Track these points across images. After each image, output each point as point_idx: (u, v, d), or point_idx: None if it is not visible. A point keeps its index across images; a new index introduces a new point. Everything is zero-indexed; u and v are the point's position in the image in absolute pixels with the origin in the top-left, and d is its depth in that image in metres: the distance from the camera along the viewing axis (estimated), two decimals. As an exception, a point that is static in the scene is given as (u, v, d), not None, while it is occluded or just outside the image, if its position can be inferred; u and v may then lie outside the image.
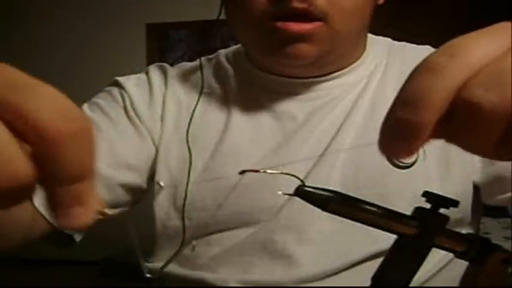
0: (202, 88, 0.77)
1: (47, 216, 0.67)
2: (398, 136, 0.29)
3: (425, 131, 0.28)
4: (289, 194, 0.37)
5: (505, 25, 0.29)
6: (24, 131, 0.25)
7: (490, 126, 0.27)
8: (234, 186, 0.70)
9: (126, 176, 0.73)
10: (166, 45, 3.53)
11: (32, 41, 3.48)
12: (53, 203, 0.27)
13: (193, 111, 0.75)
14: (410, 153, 0.29)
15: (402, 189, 0.68)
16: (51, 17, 3.53)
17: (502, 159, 0.30)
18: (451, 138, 0.29)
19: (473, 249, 0.36)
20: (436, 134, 0.29)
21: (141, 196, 0.77)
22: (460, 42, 0.28)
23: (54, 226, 0.69)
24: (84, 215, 0.27)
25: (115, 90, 0.77)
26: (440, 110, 0.28)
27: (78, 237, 0.73)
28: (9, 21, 3.54)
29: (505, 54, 0.28)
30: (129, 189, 0.74)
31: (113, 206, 0.74)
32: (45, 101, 0.25)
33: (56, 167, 0.26)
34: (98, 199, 0.29)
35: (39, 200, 0.66)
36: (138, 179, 0.74)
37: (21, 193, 0.26)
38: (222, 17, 0.74)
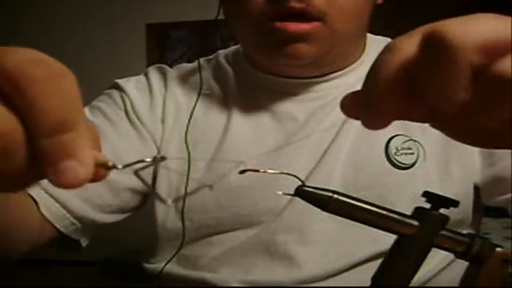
0: (200, 89, 0.77)
1: (54, 223, 0.68)
2: (363, 105, 0.32)
3: (381, 96, 0.30)
4: (290, 194, 0.37)
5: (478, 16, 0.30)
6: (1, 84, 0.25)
7: (455, 59, 0.27)
8: (235, 187, 0.70)
9: (131, 179, 0.73)
10: (166, 45, 3.53)
11: (32, 41, 3.48)
12: (42, 161, 0.26)
13: (192, 112, 0.75)
14: (378, 120, 0.31)
15: (402, 190, 0.68)
16: (52, 18, 3.53)
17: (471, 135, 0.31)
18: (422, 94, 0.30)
19: (473, 249, 0.36)
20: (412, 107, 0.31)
21: (146, 199, 0.77)
22: (423, 26, 0.30)
23: (61, 232, 0.69)
24: (75, 169, 0.26)
25: (115, 93, 0.77)
26: (389, 79, 0.30)
27: (84, 242, 0.74)
28: (10, 22, 3.55)
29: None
30: (135, 192, 0.74)
31: (120, 210, 0.74)
32: (16, 52, 0.25)
33: (34, 113, 0.25)
34: (93, 153, 0.27)
35: (45, 207, 0.67)
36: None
37: (11, 154, 0.25)
38: (221, 17, 0.74)
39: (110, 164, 0.29)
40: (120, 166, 0.30)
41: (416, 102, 0.31)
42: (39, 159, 0.26)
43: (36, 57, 0.26)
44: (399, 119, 0.32)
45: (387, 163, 0.69)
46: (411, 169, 0.69)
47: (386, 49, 0.32)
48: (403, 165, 0.69)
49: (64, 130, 0.26)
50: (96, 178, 0.28)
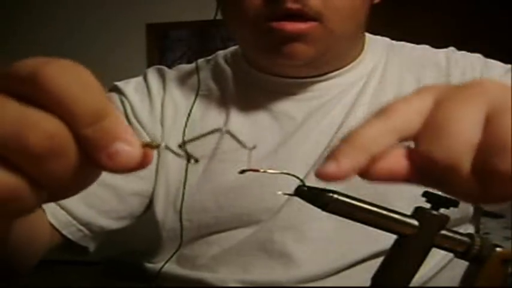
0: (198, 90, 0.77)
1: (61, 230, 0.68)
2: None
3: None
4: (290, 194, 0.37)
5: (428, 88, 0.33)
6: (24, 90, 0.26)
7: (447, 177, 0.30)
8: (234, 187, 0.70)
9: (136, 184, 0.73)
10: (166, 45, 3.53)
11: (32, 41, 3.48)
12: (92, 151, 0.26)
13: (190, 113, 0.75)
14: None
15: (402, 189, 0.68)
16: (52, 17, 3.53)
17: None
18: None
19: (473, 249, 0.36)
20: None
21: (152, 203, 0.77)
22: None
23: (68, 238, 0.70)
24: (126, 150, 0.27)
25: (115, 97, 0.77)
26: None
27: (92, 248, 0.74)
28: (10, 23, 3.55)
29: (437, 108, 0.31)
30: (141, 197, 0.74)
31: (128, 216, 0.74)
32: (25, 60, 0.26)
33: (67, 108, 0.26)
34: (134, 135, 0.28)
35: (51, 214, 0.67)
36: (147, 186, 0.74)
37: (65, 153, 0.26)
38: (219, 17, 0.75)
39: (154, 144, 0.29)
40: (163, 144, 0.30)
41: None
42: (89, 154, 0.27)
43: (44, 59, 0.26)
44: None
45: None
46: None
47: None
48: None
49: (102, 116, 0.26)
50: (145, 159, 0.28)
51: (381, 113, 0.32)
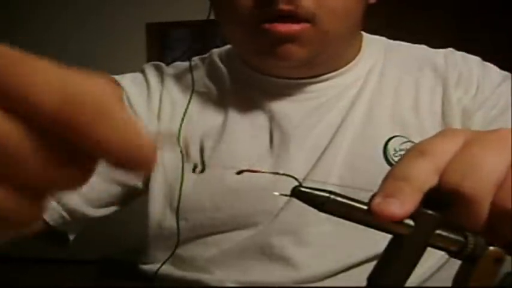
0: (193, 87, 0.77)
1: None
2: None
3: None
4: (286, 195, 0.37)
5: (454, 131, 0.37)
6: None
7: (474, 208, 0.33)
8: (231, 187, 0.70)
9: (124, 174, 0.73)
10: (166, 45, 3.54)
11: (33, 40, 3.49)
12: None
13: (186, 110, 0.75)
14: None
15: None
16: (53, 17, 3.54)
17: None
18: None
19: (467, 248, 0.36)
20: None
21: (135, 197, 0.78)
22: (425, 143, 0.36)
23: (48, 224, 0.69)
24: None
25: None
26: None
27: (72, 236, 0.74)
28: (10, 22, 3.55)
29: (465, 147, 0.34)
30: (125, 187, 0.74)
31: (107, 203, 0.74)
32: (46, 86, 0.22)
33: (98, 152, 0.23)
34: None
35: None
36: (135, 178, 0.74)
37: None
38: (212, 17, 0.75)
39: None
40: None
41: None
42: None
43: (61, 88, 0.22)
44: None
45: (386, 164, 0.69)
46: None
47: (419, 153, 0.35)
48: None
49: (134, 162, 0.24)
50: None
51: (424, 151, 0.35)
